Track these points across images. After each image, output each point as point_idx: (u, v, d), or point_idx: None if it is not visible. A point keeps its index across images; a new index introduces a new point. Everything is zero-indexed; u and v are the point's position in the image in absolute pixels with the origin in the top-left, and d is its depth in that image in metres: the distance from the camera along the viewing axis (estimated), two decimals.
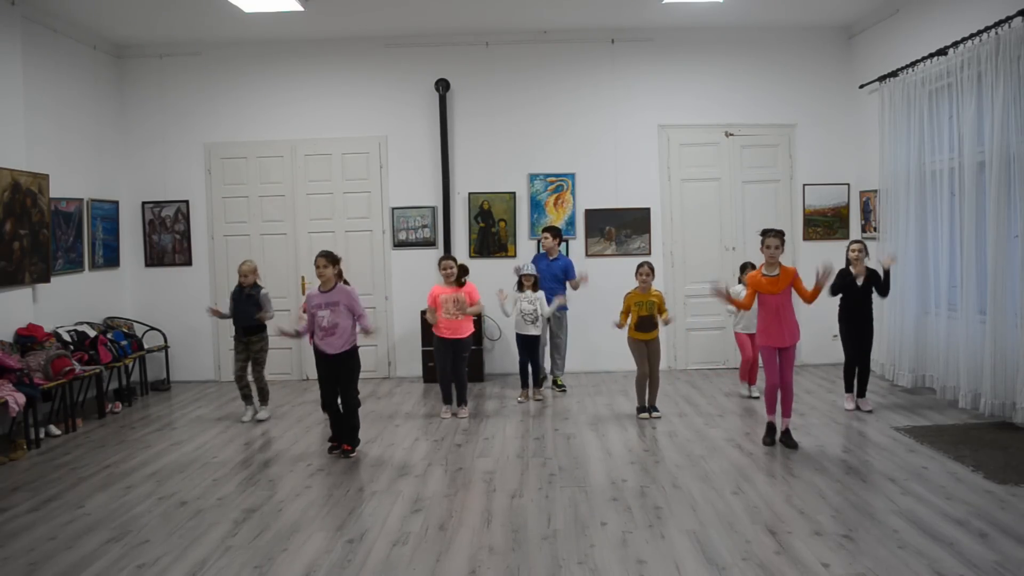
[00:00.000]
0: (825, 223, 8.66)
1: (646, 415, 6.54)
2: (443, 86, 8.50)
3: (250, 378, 6.88)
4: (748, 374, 7.16)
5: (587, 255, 8.60)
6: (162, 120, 8.68)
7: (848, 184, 8.63)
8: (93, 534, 4.32)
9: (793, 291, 5.54)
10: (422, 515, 4.49)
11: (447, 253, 6.89)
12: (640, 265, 6.46)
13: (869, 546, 3.88)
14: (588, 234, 8.63)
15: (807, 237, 8.65)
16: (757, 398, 6.98)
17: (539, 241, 7.88)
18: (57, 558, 4.01)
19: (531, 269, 7.12)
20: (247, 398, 6.93)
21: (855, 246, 6.52)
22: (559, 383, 7.74)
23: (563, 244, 8.23)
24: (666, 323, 6.48)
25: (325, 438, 6.08)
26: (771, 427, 5.71)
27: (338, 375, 5.63)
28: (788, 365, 5.59)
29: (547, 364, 7.84)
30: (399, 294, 8.62)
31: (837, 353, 8.61)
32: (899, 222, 7.39)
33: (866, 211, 8.37)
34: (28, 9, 6.93)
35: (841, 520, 4.22)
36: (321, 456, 5.72)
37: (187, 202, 8.70)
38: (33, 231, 6.84)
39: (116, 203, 8.44)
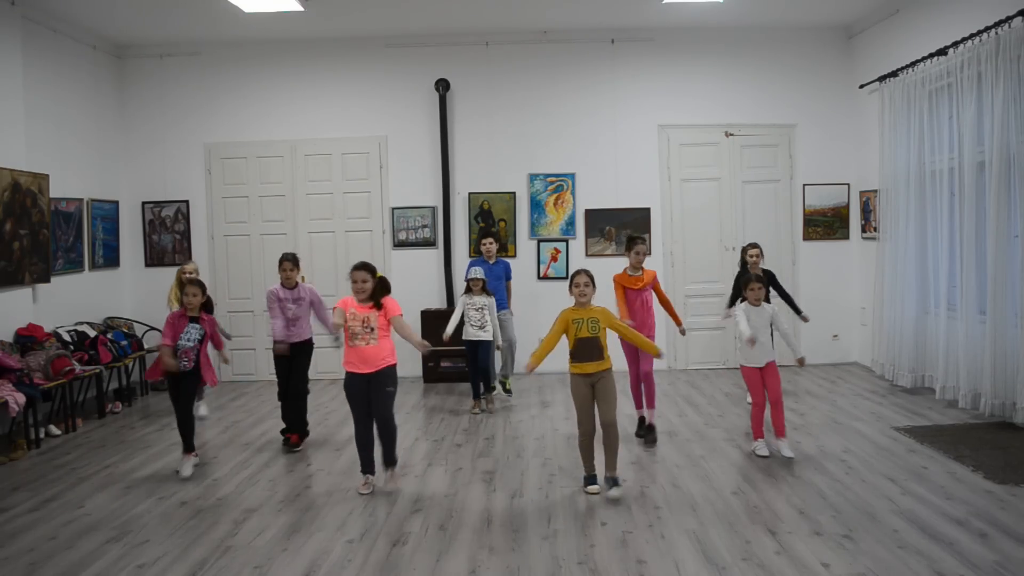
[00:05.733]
0: (825, 223, 8.66)
1: (595, 489, 4.74)
2: (443, 86, 8.50)
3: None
4: (758, 423, 5.48)
5: (587, 255, 8.60)
6: (162, 120, 8.68)
7: (848, 184, 8.63)
8: (93, 534, 4.32)
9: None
10: (422, 515, 4.49)
11: (361, 262, 4.98)
12: (575, 274, 4.83)
13: (869, 546, 3.88)
14: (588, 234, 8.63)
15: (807, 237, 8.65)
16: (766, 456, 5.34)
17: (481, 247, 7.50)
18: (57, 558, 4.01)
19: (479, 273, 6.89)
20: None
21: (753, 251, 6.85)
22: (507, 387, 7.51)
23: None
24: (657, 356, 5.05)
25: (290, 449, 5.95)
26: (641, 420, 5.99)
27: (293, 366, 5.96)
28: (647, 358, 5.74)
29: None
30: (399, 294, 8.43)
31: (837, 353, 8.72)
32: (899, 222, 7.39)
33: (866, 211, 8.37)
34: (28, 9, 6.93)
35: (841, 520, 4.22)
36: (321, 455, 5.72)
37: (187, 202, 8.70)
38: (33, 231, 6.83)
39: (116, 203, 8.45)
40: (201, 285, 5.50)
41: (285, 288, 5.90)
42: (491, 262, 7.38)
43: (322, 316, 5.94)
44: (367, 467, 4.97)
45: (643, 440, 5.82)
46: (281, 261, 5.91)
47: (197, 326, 5.38)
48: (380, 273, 5.01)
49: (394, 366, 4.92)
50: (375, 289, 4.87)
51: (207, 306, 5.53)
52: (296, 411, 5.92)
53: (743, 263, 6.99)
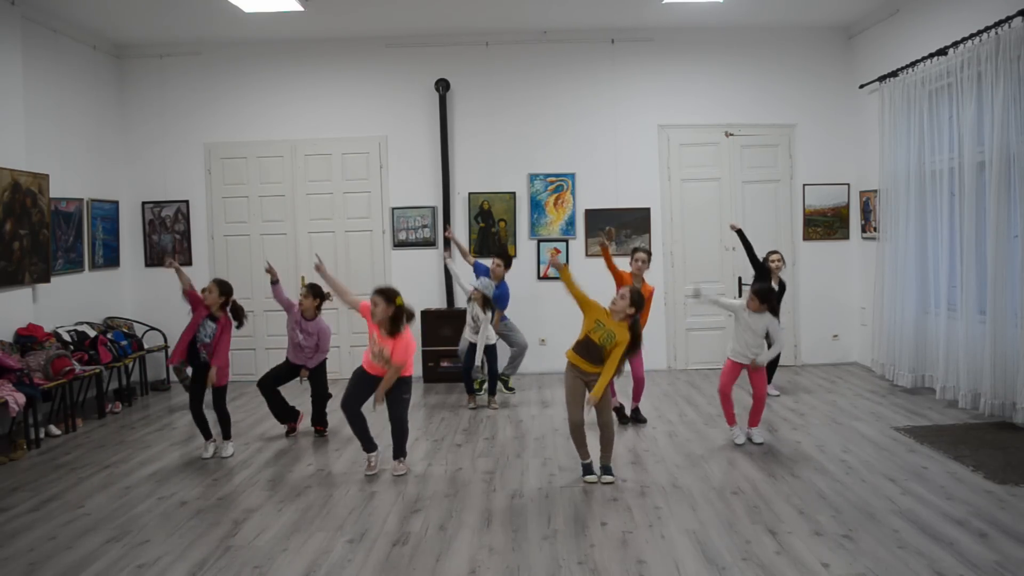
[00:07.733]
0: (825, 223, 8.66)
1: (592, 479, 4.93)
2: (443, 86, 8.50)
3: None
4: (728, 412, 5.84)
5: (587, 255, 8.60)
6: (162, 120, 8.68)
7: (848, 184, 8.63)
8: (93, 534, 4.32)
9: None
10: (422, 515, 4.49)
11: (381, 287, 5.14)
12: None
13: (869, 546, 3.88)
14: (588, 234, 8.63)
15: (807, 237, 8.65)
16: (741, 445, 5.69)
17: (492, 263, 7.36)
18: (57, 558, 4.01)
19: (488, 290, 6.87)
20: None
21: (775, 256, 7.06)
22: (509, 385, 7.56)
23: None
24: (594, 399, 4.81)
25: (320, 436, 6.33)
26: (620, 408, 6.46)
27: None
28: (639, 363, 6.28)
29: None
30: None
31: (837, 353, 8.72)
32: (899, 222, 7.39)
33: (866, 211, 8.37)
34: (28, 9, 6.93)
35: (841, 520, 4.22)
36: (321, 456, 5.73)
37: (187, 202, 8.70)
38: (33, 231, 6.83)
39: (116, 203, 8.45)
40: (221, 285, 5.77)
41: (305, 319, 6.21)
42: (496, 283, 7.21)
43: (323, 347, 6.26)
44: (370, 445, 5.32)
45: (634, 420, 6.42)
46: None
47: (214, 324, 5.68)
48: (401, 300, 5.09)
49: (408, 376, 5.26)
50: (391, 318, 5.06)
51: (236, 313, 5.82)
52: (316, 408, 6.36)
53: (759, 268, 6.95)
